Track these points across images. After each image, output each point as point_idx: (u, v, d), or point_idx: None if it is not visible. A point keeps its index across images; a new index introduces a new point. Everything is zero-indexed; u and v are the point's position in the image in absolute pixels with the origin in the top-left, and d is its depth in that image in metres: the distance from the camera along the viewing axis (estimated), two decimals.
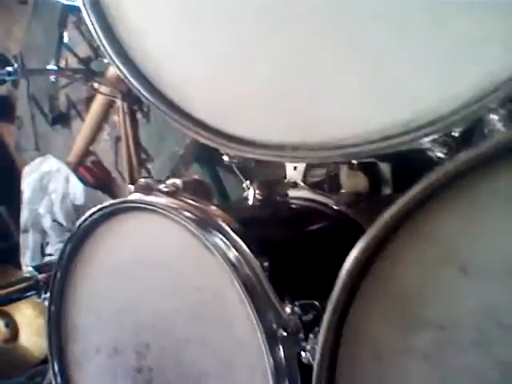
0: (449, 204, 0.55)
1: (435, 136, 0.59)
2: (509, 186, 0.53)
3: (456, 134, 0.59)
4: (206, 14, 0.72)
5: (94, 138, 2.76)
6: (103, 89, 2.43)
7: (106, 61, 0.83)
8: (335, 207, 1.03)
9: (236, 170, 1.57)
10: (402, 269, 0.59)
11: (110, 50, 0.80)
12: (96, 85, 2.45)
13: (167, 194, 0.89)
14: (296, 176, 1.29)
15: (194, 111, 0.76)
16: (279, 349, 0.74)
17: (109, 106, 2.60)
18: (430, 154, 0.60)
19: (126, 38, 0.81)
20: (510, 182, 0.52)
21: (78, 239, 0.98)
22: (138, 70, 0.79)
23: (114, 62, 0.81)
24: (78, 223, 0.96)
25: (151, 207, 0.85)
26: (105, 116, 2.65)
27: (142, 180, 0.90)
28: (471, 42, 0.55)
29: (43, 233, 2.98)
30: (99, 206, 0.93)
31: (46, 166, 2.90)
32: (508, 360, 0.54)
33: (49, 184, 2.93)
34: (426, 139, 0.59)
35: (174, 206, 0.86)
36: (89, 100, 2.72)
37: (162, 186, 0.90)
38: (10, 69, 2.11)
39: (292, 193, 1.14)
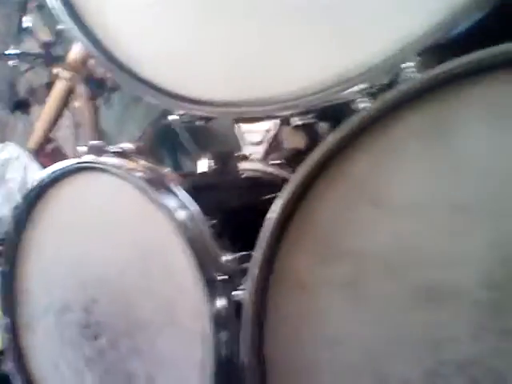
0: (363, 147, 0.64)
1: (364, 86, 0.67)
2: (417, 127, 0.61)
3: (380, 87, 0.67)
4: None
5: (54, 124, 2.78)
6: (64, 74, 2.47)
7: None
8: (278, 174, 1.11)
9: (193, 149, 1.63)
10: (322, 207, 0.68)
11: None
12: (56, 70, 2.49)
13: (118, 155, 0.96)
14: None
15: (140, 70, 0.83)
16: (219, 294, 0.82)
17: (69, 92, 2.63)
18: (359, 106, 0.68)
19: None
20: (418, 124, 0.61)
21: (29, 203, 1.04)
22: (85, 26, 0.85)
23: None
24: (29, 187, 1.02)
25: (102, 166, 0.92)
26: (65, 102, 2.68)
27: (94, 142, 0.95)
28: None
29: (1, 222, 2.99)
30: (52, 169, 0.99)
31: (6, 154, 2.92)
32: (418, 283, 0.62)
33: (6, 172, 2.94)
34: (356, 89, 0.67)
35: (125, 165, 0.92)
36: (49, 86, 2.75)
37: (113, 148, 0.96)
38: None
39: (243, 165, 1.22)
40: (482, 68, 0.57)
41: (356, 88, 0.67)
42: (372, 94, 0.67)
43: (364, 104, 0.66)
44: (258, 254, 0.71)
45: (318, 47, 0.70)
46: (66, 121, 2.76)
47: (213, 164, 1.15)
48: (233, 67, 0.76)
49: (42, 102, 2.90)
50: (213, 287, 0.82)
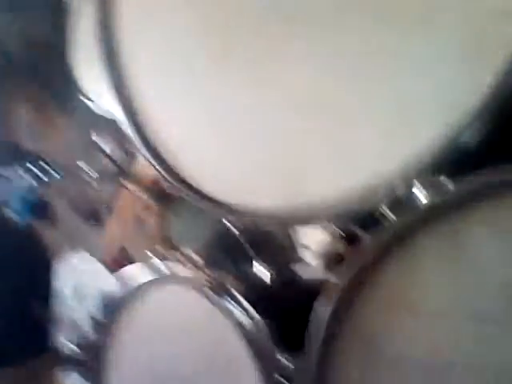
0: (393, 257, 0.74)
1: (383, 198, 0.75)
2: (439, 241, 0.72)
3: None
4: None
5: (125, 234, 2.97)
6: (132, 187, 2.67)
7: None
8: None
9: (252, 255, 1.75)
10: (366, 315, 0.77)
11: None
12: (126, 183, 2.70)
13: (184, 262, 1.10)
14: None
15: (194, 181, 0.94)
16: None
17: (138, 204, 2.82)
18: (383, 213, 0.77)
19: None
20: (440, 238, 0.71)
21: (108, 316, 1.20)
22: (148, 141, 0.97)
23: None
24: (107, 301, 1.17)
25: (170, 276, 1.06)
26: (135, 213, 2.87)
27: (159, 247, 1.10)
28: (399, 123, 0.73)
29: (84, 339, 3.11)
30: (126, 282, 1.14)
31: (82, 264, 3.09)
32: None
33: (85, 283, 3.10)
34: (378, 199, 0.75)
35: (190, 274, 1.06)
36: (119, 197, 2.95)
37: (178, 255, 1.10)
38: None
39: (298, 268, 1.33)
40: (490, 188, 0.67)
41: (378, 199, 0.75)
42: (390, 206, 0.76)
43: (386, 214, 0.76)
44: (309, 360, 0.80)
45: (346, 161, 0.78)
46: (135, 231, 2.93)
47: (270, 268, 1.28)
48: (279, 176, 0.85)
49: (112, 212, 3.10)
50: None
